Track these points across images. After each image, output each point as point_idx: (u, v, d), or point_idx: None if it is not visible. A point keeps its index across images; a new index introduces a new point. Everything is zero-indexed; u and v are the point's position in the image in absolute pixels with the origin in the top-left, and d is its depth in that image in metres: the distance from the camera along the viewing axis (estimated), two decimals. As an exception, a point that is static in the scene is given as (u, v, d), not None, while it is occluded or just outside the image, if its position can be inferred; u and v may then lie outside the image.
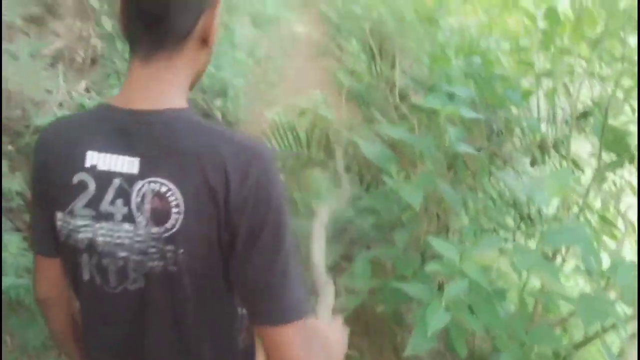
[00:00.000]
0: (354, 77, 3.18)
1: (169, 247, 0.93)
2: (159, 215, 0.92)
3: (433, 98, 1.81)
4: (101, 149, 0.95)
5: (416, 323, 1.52)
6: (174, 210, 0.91)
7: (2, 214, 2.14)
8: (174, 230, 0.92)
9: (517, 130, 2.65)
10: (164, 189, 0.91)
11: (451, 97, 2.01)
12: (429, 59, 2.14)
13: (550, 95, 2.55)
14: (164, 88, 0.96)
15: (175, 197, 0.91)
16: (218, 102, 4.63)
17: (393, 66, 2.91)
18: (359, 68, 3.16)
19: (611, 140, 2.36)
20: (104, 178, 0.94)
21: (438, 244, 1.57)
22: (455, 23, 2.89)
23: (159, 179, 0.92)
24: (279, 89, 4.97)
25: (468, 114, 1.82)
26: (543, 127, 2.67)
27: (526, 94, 2.51)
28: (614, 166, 2.39)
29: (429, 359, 2.14)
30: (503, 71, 2.60)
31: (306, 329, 0.97)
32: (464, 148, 1.80)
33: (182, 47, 0.97)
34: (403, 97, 2.77)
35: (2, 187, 2.16)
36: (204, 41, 1.00)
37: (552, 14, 2.23)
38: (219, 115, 4.59)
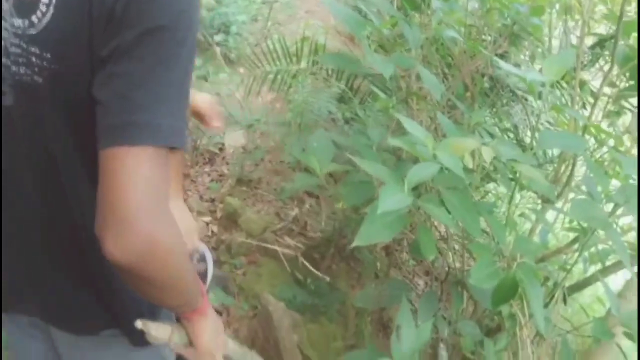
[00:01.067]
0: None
1: (34, 49, 0.78)
2: (25, 4, 0.77)
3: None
4: None
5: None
6: (43, 0, 0.77)
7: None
8: (40, 26, 0.77)
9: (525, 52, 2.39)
10: None
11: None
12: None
13: (563, 13, 2.29)
14: None
15: None
16: (218, 37, 4.44)
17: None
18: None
19: (628, 62, 2.09)
20: None
21: (408, 124, 1.34)
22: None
23: None
24: (285, 28, 4.78)
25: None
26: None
27: (538, 10, 2.25)
28: (631, 90, 2.13)
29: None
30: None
31: (164, 169, 0.74)
32: (448, 33, 1.56)
33: None
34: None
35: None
36: None
37: None
38: (217, 50, 4.41)
